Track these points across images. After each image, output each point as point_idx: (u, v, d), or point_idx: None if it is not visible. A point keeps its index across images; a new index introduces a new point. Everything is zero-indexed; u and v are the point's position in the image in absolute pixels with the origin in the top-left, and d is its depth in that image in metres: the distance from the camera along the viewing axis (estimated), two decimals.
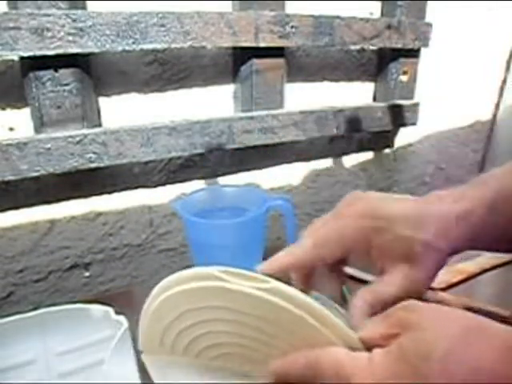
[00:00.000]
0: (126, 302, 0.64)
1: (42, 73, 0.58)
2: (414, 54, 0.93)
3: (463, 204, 0.33)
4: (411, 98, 0.97)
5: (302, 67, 0.84)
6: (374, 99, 0.97)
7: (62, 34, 0.56)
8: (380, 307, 0.30)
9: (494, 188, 0.35)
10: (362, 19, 0.80)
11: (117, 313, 0.44)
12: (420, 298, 0.28)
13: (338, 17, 0.77)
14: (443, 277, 0.66)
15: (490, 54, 1.13)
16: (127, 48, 0.60)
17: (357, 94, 0.94)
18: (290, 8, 0.75)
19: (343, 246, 0.33)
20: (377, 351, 0.24)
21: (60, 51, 0.56)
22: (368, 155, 1.00)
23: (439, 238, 0.31)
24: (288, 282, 0.27)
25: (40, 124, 0.60)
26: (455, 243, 0.32)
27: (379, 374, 0.22)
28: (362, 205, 0.33)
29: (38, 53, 0.55)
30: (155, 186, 0.75)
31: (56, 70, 0.59)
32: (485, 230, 0.33)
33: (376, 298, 0.31)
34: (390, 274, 0.32)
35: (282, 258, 0.34)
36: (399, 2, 0.87)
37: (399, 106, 0.93)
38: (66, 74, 0.59)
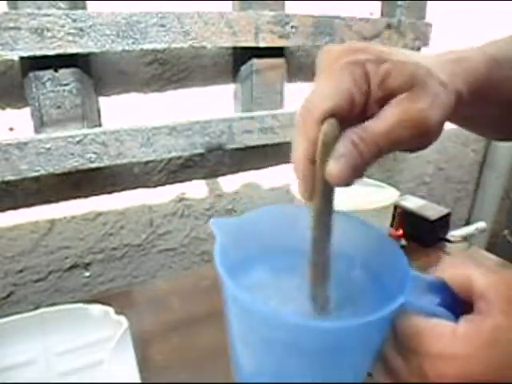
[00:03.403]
0: (126, 302, 0.64)
1: (41, 73, 0.58)
2: None
3: (462, 53, 0.32)
4: None
5: (302, 67, 0.84)
6: None
7: (62, 33, 0.56)
8: (372, 151, 0.24)
9: (493, 47, 0.34)
10: (361, 19, 0.80)
11: (117, 313, 0.44)
12: (422, 140, 0.26)
13: (338, 17, 0.77)
14: None
15: None
16: (127, 48, 0.60)
17: None
18: (290, 8, 0.75)
19: (345, 92, 0.25)
20: (461, 324, 0.23)
21: (60, 51, 0.56)
22: None
23: (440, 73, 0.27)
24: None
25: (40, 124, 0.60)
26: (457, 81, 0.29)
27: (464, 349, 0.22)
28: (351, 47, 0.28)
29: (38, 53, 0.55)
30: (155, 186, 0.75)
31: (56, 70, 0.59)
32: (482, 82, 0.30)
33: (365, 138, 0.24)
34: (385, 108, 0.25)
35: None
36: (399, 2, 0.87)
37: None
38: (65, 73, 0.59)
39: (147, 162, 0.73)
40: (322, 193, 0.25)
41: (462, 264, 0.26)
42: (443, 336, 0.23)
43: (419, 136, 0.25)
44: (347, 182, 0.24)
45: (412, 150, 0.27)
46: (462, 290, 0.25)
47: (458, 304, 0.25)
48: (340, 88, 0.25)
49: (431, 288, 0.25)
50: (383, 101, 0.25)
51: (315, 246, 0.27)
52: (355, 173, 0.24)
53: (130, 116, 0.69)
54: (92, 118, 0.65)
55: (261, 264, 0.32)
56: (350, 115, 0.25)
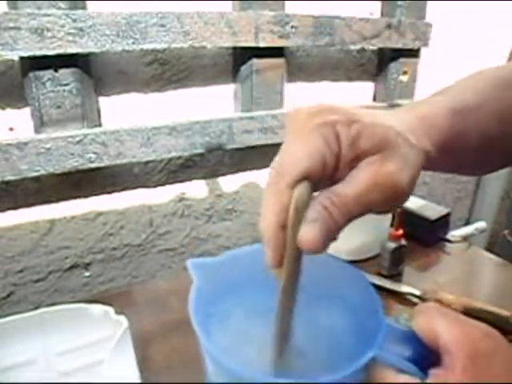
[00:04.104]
0: (126, 301, 0.64)
1: (41, 73, 0.58)
2: (414, 53, 0.93)
3: (424, 108, 0.32)
4: (411, 97, 0.97)
5: (302, 67, 0.84)
6: (374, 99, 0.97)
7: (62, 33, 0.56)
8: (343, 215, 0.24)
9: (454, 96, 0.34)
10: (361, 19, 0.80)
11: (117, 313, 0.44)
12: (393, 201, 0.26)
13: (338, 17, 0.77)
14: None
15: (490, 54, 1.13)
16: (127, 48, 0.60)
17: (357, 94, 0.94)
18: (290, 8, 0.75)
19: (316, 154, 0.25)
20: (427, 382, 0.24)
21: (60, 51, 0.56)
22: None
23: (408, 133, 0.28)
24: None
25: (40, 124, 0.60)
26: (424, 141, 0.29)
27: None
28: (320, 108, 0.27)
29: (38, 53, 0.55)
30: (155, 186, 0.75)
31: (56, 70, 0.59)
32: (447, 137, 0.30)
33: (336, 203, 0.24)
34: (355, 170, 0.25)
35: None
36: (399, 2, 0.87)
37: (399, 106, 0.93)
38: (65, 73, 0.59)
39: (147, 162, 0.73)
40: (291, 260, 0.25)
41: (431, 314, 0.26)
42: None
43: (389, 199, 0.25)
44: (320, 248, 0.24)
45: (382, 213, 0.27)
46: (430, 341, 0.25)
47: (428, 355, 0.25)
48: (312, 150, 0.24)
49: (403, 339, 0.26)
50: (353, 162, 0.25)
51: (280, 314, 0.27)
52: (328, 238, 0.24)
53: (130, 116, 0.69)
54: (92, 118, 0.65)
55: (236, 305, 0.32)
56: (321, 177, 0.25)
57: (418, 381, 0.24)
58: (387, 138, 0.26)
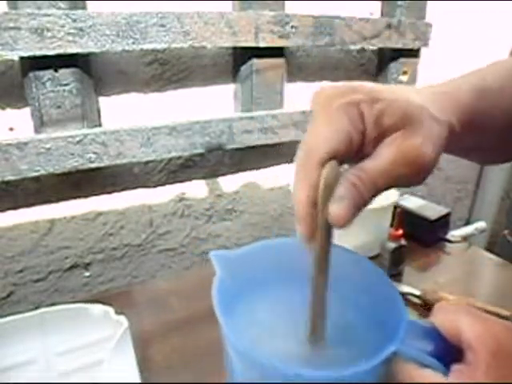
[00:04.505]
0: (126, 301, 0.64)
1: (41, 73, 0.58)
2: (414, 53, 0.93)
3: (448, 85, 0.32)
4: None
5: (302, 67, 0.84)
6: None
7: (62, 33, 0.56)
8: (371, 190, 0.25)
9: (477, 77, 0.34)
10: (361, 19, 0.80)
11: (117, 313, 0.44)
12: (418, 175, 0.26)
13: (338, 17, 0.77)
14: None
15: (490, 53, 1.13)
16: (127, 48, 0.60)
17: None
18: (290, 8, 0.75)
19: (342, 134, 0.26)
20: (451, 377, 0.24)
21: (60, 51, 0.56)
22: None
23: (431, 107, 0.28)
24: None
25: (40, 124, 0.60)
26: (446, 113, 0.29)
27: None
28: (344, 88, 0.28)
29: (38, 53, 0.55)
30: (155, 186, 0.75)
31: (56, 70, 0.59)
32: (471, 113, 0.31)
33: (363, 179, 0.25)
34: (380, 147, 0.26)
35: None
36: (399, 2, 0.87)
37: None
38: (65, 73, 0.59)
39: (147, 162, 0.73)
40: (323, 234, 0.26)
41: (453, 311, 0.26)
42: None
43: (415, 172, 0.26)
44: (348, 223, 0.25)
45: (409, 186, 0.28)
46: (452, 337, 0.26)
47: (450, 350, 0.25)
48: (338, 130, 0.25)
49: (425, 334, 0.26)
50: (378, 139, 0.26)
51: (314, 288, 0.28)
52: (356, 212, 0.25)
53: (130, 116, 0.69)
54: (92, 118, 0.65)
55: (260, 298, 0.33)
56: (348, 155, 0.26)
57: (440, 375, 0.25)
58: (410, 113, 0.26)
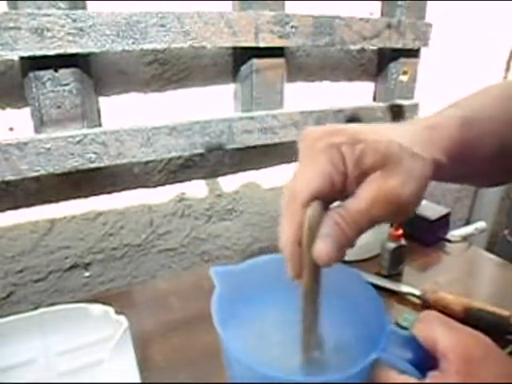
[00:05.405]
0: (126, 301, 0.64)
1: (42, 73, 0.58)
2: (414, 53, 0.93)
3: (433, 119, 0.32)
4: (411, 98, 0.97)
5: (302, 67, 0.84)
6: (374, 99, 0.97)
7: (62, 34, 0.56)
8: (353, 228, 0.26)
9: (464, 108, 0.34)
10: (361, 19, 0.80)
11: (117, 313, 0.44)
12: (399, 213, 0.27)
13: (338, 17, 0.77)
14: None
15: (490, 53, 1.13)
16: (127, 48, 0.60)
17: (357, 94, 0.94)
18: (290, 8, 0.75)
19: (324, 176, 0.27)
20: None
21: (60, 51, 0.56)
22: None
23: (414, 143, 0.29)
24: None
25: (40, 124, 0.60)
26: (430, 150, 0.29)
27: None
28: (328, 130, 0.29)
29: (38, 53, 0.55)
30: (155, 186, 0.75)
31: (56, 70, 0.59)
32: (458, 145, 0.31)
33: (346, 217, 0.26)
34: (361, 187, 0.27)
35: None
36: (399, 2, 0.87)
37: (399, 106, 0.93)
38: (65, 73, 0.59)
39: (147, 162, 0.73)
40: (310, 272, 0.28)
41: (431, 322, 0.28)
42: None
43: (395, 211, 0.27)
44: (333, 261, 0.26)
45: (394, 222, 0.29)
46: (429, 346, 0.28)
47: (427, 358, 0.27)
48: (320, 172, 0.27)
49: (405, 343, 0.28)
50: (360, 178, 0.27)
51: (304, 317, 0.29)
52: (341, 251, 0.26)
53: (130, 116, 0.69)
54: (92, 118, 0.65)
55: (257, 314, 0.35)
56: (331, 195, 0.27)
57: (415, 380, 0.27)
58: (390, 154, 0.27)
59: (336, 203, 0.28)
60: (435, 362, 0.27)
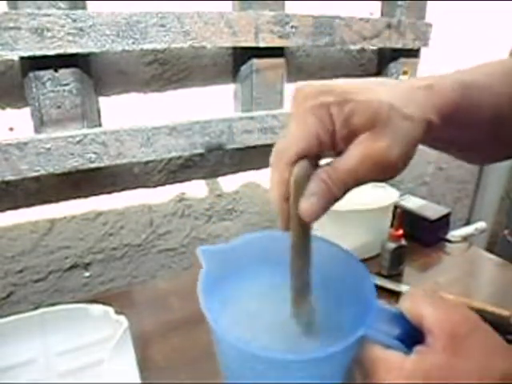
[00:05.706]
0: (126, 301, 0.64)
1: (42, 73, 0.58)
2: (414, 53, 0.93)
3: (432, 79, 0.32)
4: None
5: (302, 67, 0.84)
6: None
7: (62, 34, 0.56)
8: (340, 188, 0.27)
9: (464, 73, 0.34)
10: (361, 19, 0.80)
11: (117, 313, 0.44)
12: (386, 174, 0.28)
13: (338, 17, 0.77)
14: None
15: (490, 53, 1.13)
16: (127, 48, 0.60)
17: None
18: (290, 8, 0.75)
19: (312, 135, 0.27)
20: (410, 358, 0.26)
21: (60, 51, 0.56)
22: None
23: (407, 103, 0.28)
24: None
25: (40, 124, 0.60)
26: (424, 109, 0.29)
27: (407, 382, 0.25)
28: (318, 88, 0.28)
29: (38, 53, 0.55)
30: (155, 186, 0.75)
31: (56, 70, 0.59)
32: (454, 108, 0.31)
33: (333, 177, 0.27)
34: (349, 148, 0.27)
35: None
36: (399, 2, 0.87)
37: None
38: (65, 73, 0.59)
39: (147, 162, 0.73)
40: (296, 227, 0.28)
41: (418, 298, 0.29)
42: (393, 369, 0.27)
43: (382, 172, 0.27)
44: (317, 218, 0.27)
45: (380, 181, 0.29)
46: (416, 322, 0.28)
47: (414, 334, 0.28)
48: (307, 132, 0.27)
49: (392, 319, 0.28)
50: (349, 138, 0.27)
51: (293, 269, 0.30)
52: (325, 208, 0.27)
53: (130, 116, 0.69)
54: (92, 118, 0.65)
55: (246, 290, 0.34)
56: (319, 153, 0.28)
57: (400, 354, 0.27)
58: (379, 114, 0.27)
59: (326, 160, 0.29)
60: (422, 337, 0.27)
